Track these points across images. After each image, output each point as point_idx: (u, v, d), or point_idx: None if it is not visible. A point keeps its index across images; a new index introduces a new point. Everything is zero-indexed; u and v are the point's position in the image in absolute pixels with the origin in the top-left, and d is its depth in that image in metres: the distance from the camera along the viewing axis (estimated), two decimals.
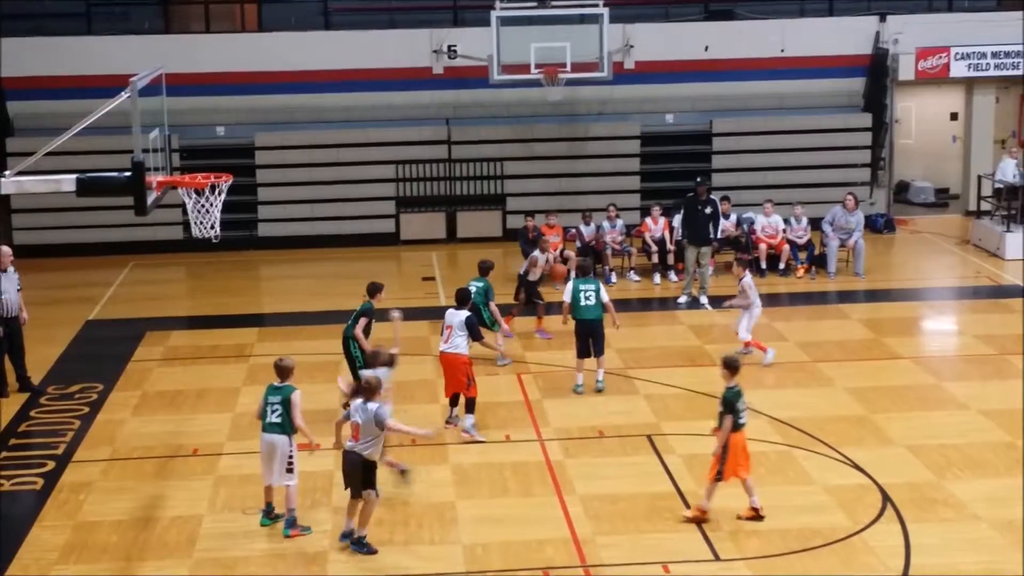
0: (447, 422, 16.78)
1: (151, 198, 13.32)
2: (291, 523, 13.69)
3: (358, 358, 16.76)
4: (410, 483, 14.59)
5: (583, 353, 17.98)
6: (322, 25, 29.00)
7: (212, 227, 14.23)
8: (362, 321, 16.80)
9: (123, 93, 13.04)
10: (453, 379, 16.60)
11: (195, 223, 14.29)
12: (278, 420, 13.60)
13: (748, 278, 19.28)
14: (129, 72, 13.71)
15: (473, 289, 19.02)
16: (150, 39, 27.92)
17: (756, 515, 13.80)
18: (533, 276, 21.10)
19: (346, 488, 13.29)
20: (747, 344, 19.06)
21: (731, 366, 13.88)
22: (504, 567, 12.94)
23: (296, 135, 28.19)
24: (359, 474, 13.07)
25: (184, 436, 16.76)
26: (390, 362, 14.97)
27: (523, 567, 12.95)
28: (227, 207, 14.52)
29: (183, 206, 14.30)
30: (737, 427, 13.67)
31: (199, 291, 25.34)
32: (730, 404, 13.64)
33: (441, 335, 16.85)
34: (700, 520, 13.74)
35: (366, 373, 14.44)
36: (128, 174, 12.95)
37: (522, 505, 14.44)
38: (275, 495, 13.89)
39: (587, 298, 17.85)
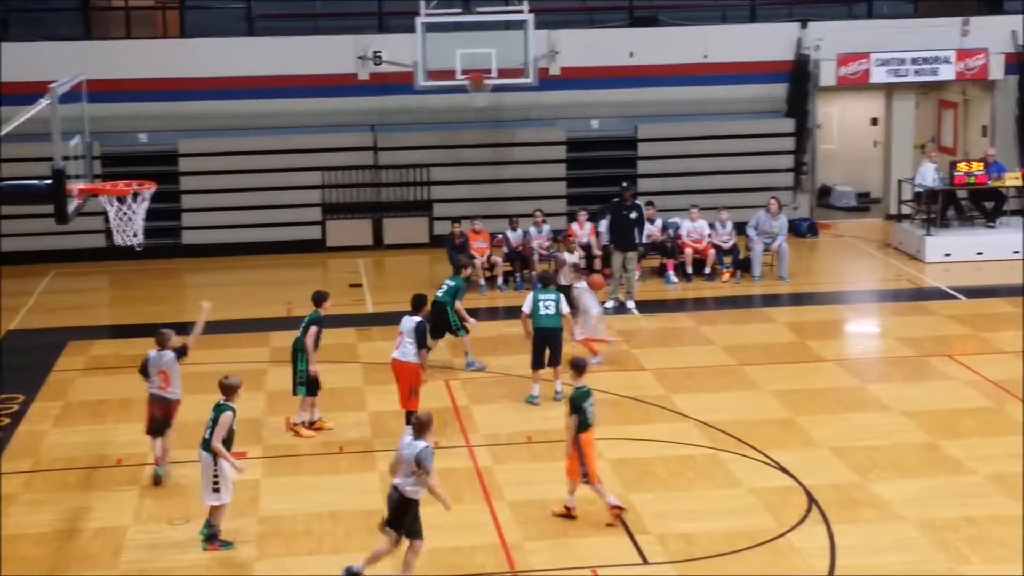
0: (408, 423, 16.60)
1: (72, 206, 13.19)
2: (210, 538, 13.55)
3: (301, 372, 16.60)
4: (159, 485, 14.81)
5: (538, 364, 18.00)
6: (245, 31, 28.76)
7: (135, 235, 14.11)
8: (312, 331, 16.57)
9: (43, 100, 12.90)
10: (399, 387, 16.48)
11: (117, 231, 14.15)
12: (207, 437, 13.48)
13: (580, 283, 19.57)
14: (49, 78, 13.55)
15: (444, 288, 18.94)
16: (70, 45, 27.44)
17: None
18: (564, 279, 20.68)
19: (380, 528, 12.55)
20: (583, 342, 19.11)
21: (577, 367, 14.20)
22: (434, 573, 12.91)
23: (220, 142, 27.90)
24: (394, 511, 12.41)
25: (108, 446, 16.55)
26: (181, 350, 14.78)
27: (453, 573, 12.93)
28: (151, 214, 14.41)
29: (105, 214, 14.14)
30: (586, 427, 13.85)
31: (122, 300, 25.02)
32: (576, 404, 13.87)
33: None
34: (619, 517, 13.81)
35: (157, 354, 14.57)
36: (48, 182, 12.80)
37: (451, 511, 14.39)
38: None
39: (546, 307, 17.94)
